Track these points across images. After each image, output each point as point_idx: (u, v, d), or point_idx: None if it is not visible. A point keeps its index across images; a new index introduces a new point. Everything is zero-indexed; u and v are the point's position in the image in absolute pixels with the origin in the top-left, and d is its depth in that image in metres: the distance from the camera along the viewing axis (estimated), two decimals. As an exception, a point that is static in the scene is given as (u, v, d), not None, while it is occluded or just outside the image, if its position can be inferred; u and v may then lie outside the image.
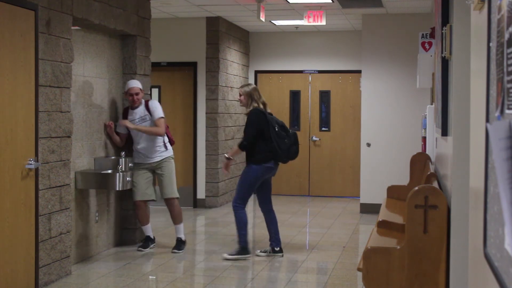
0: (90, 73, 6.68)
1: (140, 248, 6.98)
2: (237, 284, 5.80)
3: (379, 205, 7.36)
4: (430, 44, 7.41)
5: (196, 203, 10.29)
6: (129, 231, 7.32)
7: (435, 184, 4.37)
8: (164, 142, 7.01)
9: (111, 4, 6.64)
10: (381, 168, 9.93)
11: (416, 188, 4.06)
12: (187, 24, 10.18)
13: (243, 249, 6.63)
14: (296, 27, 11.07)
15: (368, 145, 10.01)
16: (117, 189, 6.62)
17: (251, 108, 6.61)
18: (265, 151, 6.54)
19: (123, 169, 6.71)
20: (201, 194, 10.28)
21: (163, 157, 6.99)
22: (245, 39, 11.55)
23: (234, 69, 10.97)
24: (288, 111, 11.81)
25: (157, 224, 8.35)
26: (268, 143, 6.54)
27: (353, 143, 11.36)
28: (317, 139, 11.70)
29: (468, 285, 2.76)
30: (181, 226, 7.07)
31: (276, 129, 6.59)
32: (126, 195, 7.12)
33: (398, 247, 4.05)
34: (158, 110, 6.93)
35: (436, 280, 3.97)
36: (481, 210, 1.97)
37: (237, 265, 6.43)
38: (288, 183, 11.74)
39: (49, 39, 5.48)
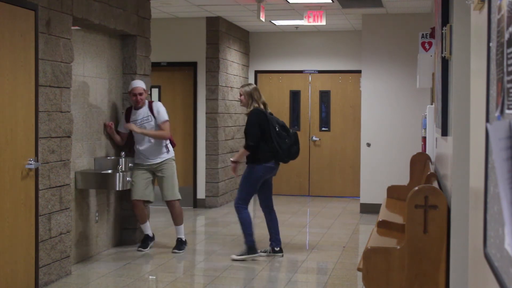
0: (90, 73, 6.68)
1: (140, 249, 6.98)
2: (237, 284, 5.80)
3: (379, 205, 7.35)
4: (430, 44, 7.41)
5: (196, 203, 10.29)
6: (129, 231, 7.32)
7: (435, 184, 4.37)
8: (165, 144, 7.01)
9: (111, 4, 6.64)
10: (381, 168, 9.93)
11: (416, 188, 4.06)
12: (187, 24, 10.18)
13: (251, 248, 6.62)
14: (296, 27, 11.07)
15: (368, 145, 10.01)
16: (117, 189, 6.62)
17: (252, 108, 6.61)
18: (266, 151, 6.54)
19: (123, 169, 6.70)
20: (201, 194, 10.28)
21: (164, 159, 6.98)
22: (245, 39, 11.55)
23: (234, 69, 10.97)
24: (288, 111, 11.81)
25: (157, 224, 8.35)
26: (269, 143, 6.54)
27: (353, 143, 11.36)
28: (317, 139, 11.70)
29: (468, 285, 2.76)
30: (182, 227, 7.07)
31: (277, 129, 6.58)
32: (126, 195, 7.12)
33: (398, 247, 4.05)
34: (163, 113, 6.92)
35: (436, 280, 3.97)
36: (481, 210, 1.97)
37: (237, 265, 6.43)
38: (288, 183, 11.74)
39: (49, 39, 5.48)
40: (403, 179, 7.45)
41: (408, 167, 6.58)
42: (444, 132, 4.32)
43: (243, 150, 6.60)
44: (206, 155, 10.21)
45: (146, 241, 7.06)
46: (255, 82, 11.72)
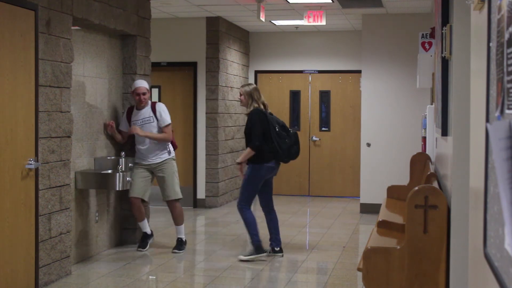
0: (90, 73, 6.68)
1: (139, 249, 6.98)
2: (237, 284, 5.80)
3: (379, 205, 7.35)
4: (430, 44, 7.41)
5: (196, 203, 10.29)
6: (129, 231, 7.32)
7: (435, 184, 4.37)
8: (167, 145, 7.01)
9: (111, 4, 6.64)
10: (381, 168, 9.93)
11: (416, 188, 4.06)
12: (187, 24, 10.18)
13: (258, 248, 6.61)
14: (296, 27, 11.07)
15: (368, 145, 10.01)
16: (117, 189, 6.62)
17: (251, 108, 6.60)
18: (266, 151, 6.53)
19: (123, 169, 6.71)
20: (201, 194, 10.28)
21: (164, 159, 6.98)
22: (245, 39, 11.55)
23: (234, 69, 10.97)
24: (288, 111, 11.81)
25: (157, 224, 8.35)
26: (269, 143, 6.53)
27: (353, 143, 11.36)
28: (317, 139, 11.70)
29: (468, 285, 2.76)
30: (182, 227, 7.06)
31: (277, 129, 6.58)
32: (126, 195, 7.11)
33: (398, 247, 4.05)
34: (165, 116, 6.92)
35: (436, 280, 3.97)
36: (481, 210, 1.97)
37: (237, 265, 6.43)
38: (288, 183, 11.74)
39: (49, 39, 5.48)
40: (403, 179, 7.45)
41: (408, 167, 6.58)
42: (444, 132, 4.32)
43: (249, 150, 6.52)
44: (206, 155, 10.21)
45: (145, 239, 7.05)
46: (255, 82, 11.72)
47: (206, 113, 10.21)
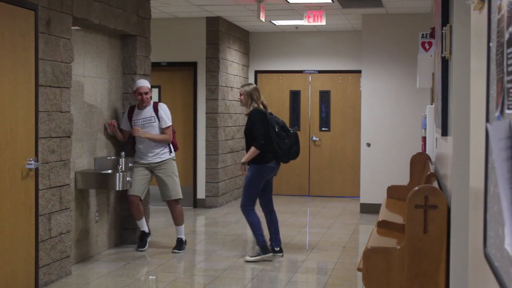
0: (90, 73, 6.68)
1: (139, 249, 6.98)
2: (237, 284, 5.80)
3: (379, 205, 7.36)
4: (430, 44, 7.41)
5: (196, 203, 10.29)
6: (129, 231, 7.32)
7: (435, 184, 4.37)
8: (167, 145, 7.01)
9: (111, 4, 6.64)
10: (381, 168, 9.93)
11: (416, 188, 4.06)
12: (187, 24, 10.18)
13: (263, 248, 6.60)
14: (296, 27, 11.07)
15: (368, 145, 10.01)
16: (117, 189, 6.62)
17: (251, 108, 6.60)
18: (266, 151, 6.53)
19: (123, 169, 6.71)
20: (201, 194, 10.28)
21: (164, 159, 6.98)
22: (245, 39, 11.55)
23: (234, 69, 10.97)
24: (288, 111, 11.81)
25: (157, 224, 8.35)
26: (269, 144, 6.52)
27: (353, 143, 11.36)
28: (317, 139, 11.70)
29: (468, 285, 2.76)
30: (182, 227, 7.06)
31: (276, 130, 6.57)
32: (126, 195, 7.11)
33: (398, 247, 4.05)
34: (167, 118, 6.94)
35: (436, 280, 3.97)
36: (481, 210, 1.97)
37: (237, 265, 6.43)
38: (288, 183, 11.74)
39: (49, 39, 5.48)
40: (403, 179, 7.45)
41: (408, 167, 6.58)
42: (444, 132, 4.32)
43: (254, 150, 6.46)
44: (206, 155, 10.22)
45: (143, 238, 7.05)
46: (255, 82, 11.72)
47: (206, 113, 10.21)
